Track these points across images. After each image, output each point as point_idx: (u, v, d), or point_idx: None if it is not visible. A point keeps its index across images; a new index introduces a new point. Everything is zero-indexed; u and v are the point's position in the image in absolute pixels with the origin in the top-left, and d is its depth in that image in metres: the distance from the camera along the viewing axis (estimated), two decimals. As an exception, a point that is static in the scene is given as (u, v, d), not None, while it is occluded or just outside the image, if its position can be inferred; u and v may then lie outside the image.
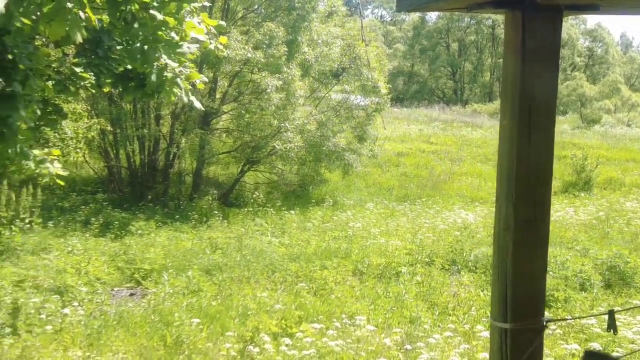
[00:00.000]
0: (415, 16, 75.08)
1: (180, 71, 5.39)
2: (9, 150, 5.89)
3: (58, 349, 7.49)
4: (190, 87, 5.81)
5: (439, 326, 8.79)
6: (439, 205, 18.95)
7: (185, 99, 5.64)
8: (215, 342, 7.96)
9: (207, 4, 5.12)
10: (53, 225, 13.97)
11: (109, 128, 17.67)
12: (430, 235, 14.27)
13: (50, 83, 6.51)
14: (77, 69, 6.61)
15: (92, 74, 6.44)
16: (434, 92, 72.69)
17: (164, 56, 4.89)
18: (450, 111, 50.71)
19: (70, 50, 7.49)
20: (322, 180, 21.82)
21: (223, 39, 5.49)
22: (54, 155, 7.68)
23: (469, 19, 69.35)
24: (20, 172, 6.91)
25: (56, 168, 7.12)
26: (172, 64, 5.09)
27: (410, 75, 73.99)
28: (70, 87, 6.83)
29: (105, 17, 6.09)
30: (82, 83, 6.94)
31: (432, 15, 75.63)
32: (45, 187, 11.73)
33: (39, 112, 6.92)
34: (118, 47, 6.40)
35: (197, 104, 5.81)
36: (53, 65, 6.59)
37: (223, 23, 5.51)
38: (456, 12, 3.06)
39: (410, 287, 10.62)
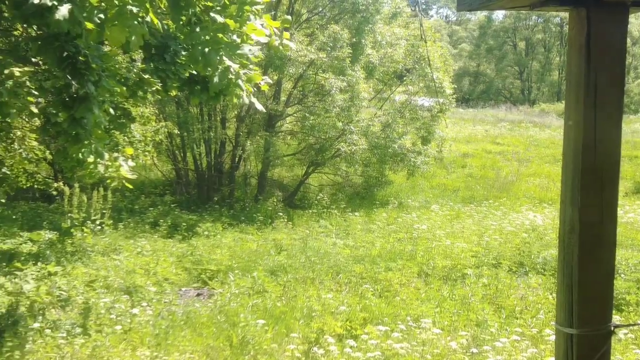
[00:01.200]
0: (481, 15, 74.30)
1: (244, 73, 5.45)
2: (84, 151, 6.08)
3: (127, 349, 7.65)
4: (253, 89, 5.89)
5: (506, 329, 8.64)
6: (506, 206, 18.65)
7: (246, 101, 5.71)
8: (280, 343, 8.01)
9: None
10: (123, 227, 14.30)
11: (176, 131, 17.99)
12: (497, 237, 14.06)
13: (122, 86, 6.69)
14: (145, 75, 6.76)
15: (158, 80, 6.58)
16: (501, 92, 71.72)
17: (225, 58, 4.95)
18: (517, 111, 49.92)
19: (138, 56, 7.68)
20: (387, 181, 21.73)
21: (286, 35, 5.53)
22: (128, 154, 7.91)
23: (536, 17, 68.18)
24: (89, 176, 7.10)
25: (126, 170, 7.32)
26: (234, 66, 5.15)
27: (476, 75, 73.20)
28: (139, 92, 7.00)
29: (172, 23, 6.21)
30: (149, 89, 7.12)
31: (499, 14, 74.71)
32: (116, 190, 12.03)
33: (112, 111, 7.13)
34: (184, 53, 6.53)
35: (259, 106, 5.87)
36: (123, 70, 6.76)
37: (288, 17, 5.56)
38: (520, 10, 3.02)
39: (476, 290, 10.47)
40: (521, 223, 15.63)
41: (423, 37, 18.23)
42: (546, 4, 2.51)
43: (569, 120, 2.58)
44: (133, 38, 4.06)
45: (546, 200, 20.17)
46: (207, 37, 4.72)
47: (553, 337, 7.65)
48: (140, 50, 6.97)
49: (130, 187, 8.16)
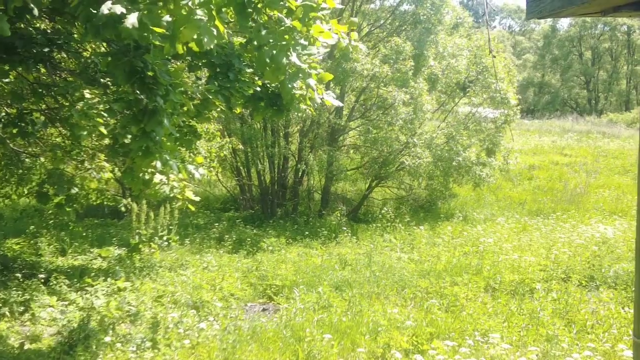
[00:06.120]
0: (545, 25, 73.34)
1: (314, 73, 5.48)
2: (152, 165, 6.20)
3: (195, 363, 7.73)
4: (318, 100, 5.93)
5: (577, 345, 8.42)
6: (575, 219, 18.22)
7: (319, 100, 5.74)
8: (347, 358, 7.97)
9: (340, 5, 5.21)
10: (189, 243, 14.50)
11: (240, 147, 18.19)
12: (566, 250, 13.72)
13: (189, 101, 6.83)
14: (209, 95, 6.88)
15: (222, 99, 6.68)
16: (567, 102, 70.48)
17: (293, 58, 4.97)
18: (584, 121, 48.97)
19: (202, 74, 7.81)
20: (451, 194, 21.50)
21: (353, 35, 5.54)
22: (198, 162, 8.05)
23: (602, 26, 66.80)
24: (154, 196, 7.25)
25: (197, 178, 7.44)
26: (303, 66, 5.17)
27: (541, 85, 72.16)
28: (205, 111, 7.12)
29: (237, 40, 6.30)
30: (214, 109, 7.24)
31: (563, 24, 73.61)
32: (182, 206, 12.27)
33: (182, 123, 7.26)
34: (248, 70, 6.61)
35: (335, 102, 5.90)
36: (189, 87, 6.89)
37: (355, 19, 5.58)
38: (589, 17, 2.96)
39: (545, 304, 10.23)
40: (591, 236, 15.23)
41: (491, 50, 17.95)
42: (619, 9, 2.45)
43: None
44: (204, 38, 4.10)
45: (617, 212, 19.64)
46: (274, 39, 4.74)
47: (627, 352, 7.43)
48: (205, 69, 7.10)
49: (193, 208, 8.29)
